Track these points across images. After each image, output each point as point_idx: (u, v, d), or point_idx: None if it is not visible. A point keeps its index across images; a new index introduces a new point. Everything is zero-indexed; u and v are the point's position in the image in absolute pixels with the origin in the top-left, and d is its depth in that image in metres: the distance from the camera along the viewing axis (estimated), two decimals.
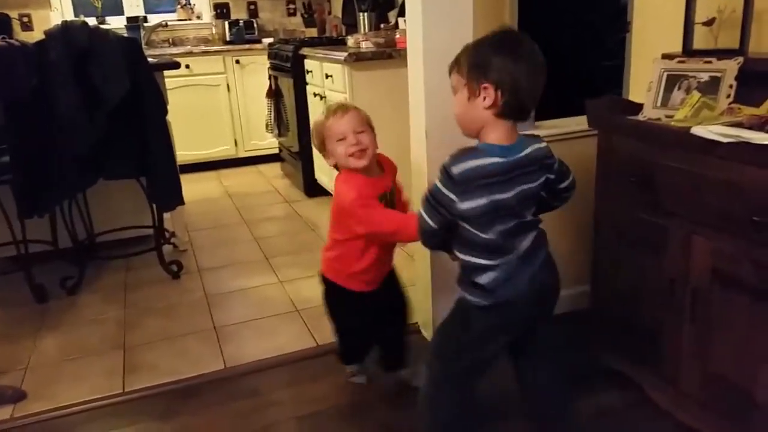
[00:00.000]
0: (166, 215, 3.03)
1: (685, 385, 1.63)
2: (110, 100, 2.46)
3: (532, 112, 1.39)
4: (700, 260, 1.51)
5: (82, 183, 2.73)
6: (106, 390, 2.02)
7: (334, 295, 1.80)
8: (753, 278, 1.38)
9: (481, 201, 1.25)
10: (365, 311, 1.80)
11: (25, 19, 4.87)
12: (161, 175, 2.74)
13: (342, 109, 1.65)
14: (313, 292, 2.66)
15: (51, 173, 2.49)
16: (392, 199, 1.72)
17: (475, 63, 1.26)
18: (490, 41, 1.27)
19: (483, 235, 1.29)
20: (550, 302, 1.45)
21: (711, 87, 1.61)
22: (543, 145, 1.35)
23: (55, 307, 2.65)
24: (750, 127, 1.40)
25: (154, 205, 2.85)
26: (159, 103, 2.69)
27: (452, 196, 1.25)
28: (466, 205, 1.25)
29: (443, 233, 1.35)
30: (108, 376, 2.10)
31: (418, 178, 2.10)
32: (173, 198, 2.85)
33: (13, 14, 4.80)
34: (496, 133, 1.28)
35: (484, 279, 1.32)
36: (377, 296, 1.78)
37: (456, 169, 1.23)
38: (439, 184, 1.27)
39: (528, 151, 1.30)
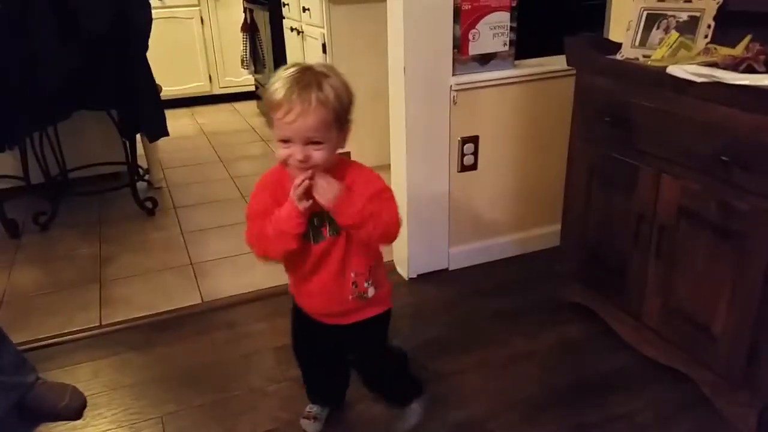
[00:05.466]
0: (139, 152, 2.98)
1: (647, 319, 1.69)
2: (91, 33, 2.38)
3: None
4: (667, 198, 1.54)
5: (55, 115, 2.65)
6: (84, 323, 2.03)
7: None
8: (716, 216, 1.42)
9: None
10: (305, 333, 1.45)
11: None
12: (147, 105, 2.70)
13: (301, 101, 1.07)
14: None
15: (21, 104, 2.42)
16: (324, 223, 1.21)
17: None
18: None
19: None
20: None
21: (690, 27, 1.61)
22: None
23: (28, 243, 2.63)
24: (724, 68, 1.41)
25: (126, 142, 2.80)
26: (145, 34, 2.61)
27: None
28: None
29: None
30: (84, 309, 2.11)
31: (396, 114, 2.09)
32: (158, 128, 2.81)
33: None
34: None
35: None
36: (326, 330, 1.37)
37: None
38: None
39: None
